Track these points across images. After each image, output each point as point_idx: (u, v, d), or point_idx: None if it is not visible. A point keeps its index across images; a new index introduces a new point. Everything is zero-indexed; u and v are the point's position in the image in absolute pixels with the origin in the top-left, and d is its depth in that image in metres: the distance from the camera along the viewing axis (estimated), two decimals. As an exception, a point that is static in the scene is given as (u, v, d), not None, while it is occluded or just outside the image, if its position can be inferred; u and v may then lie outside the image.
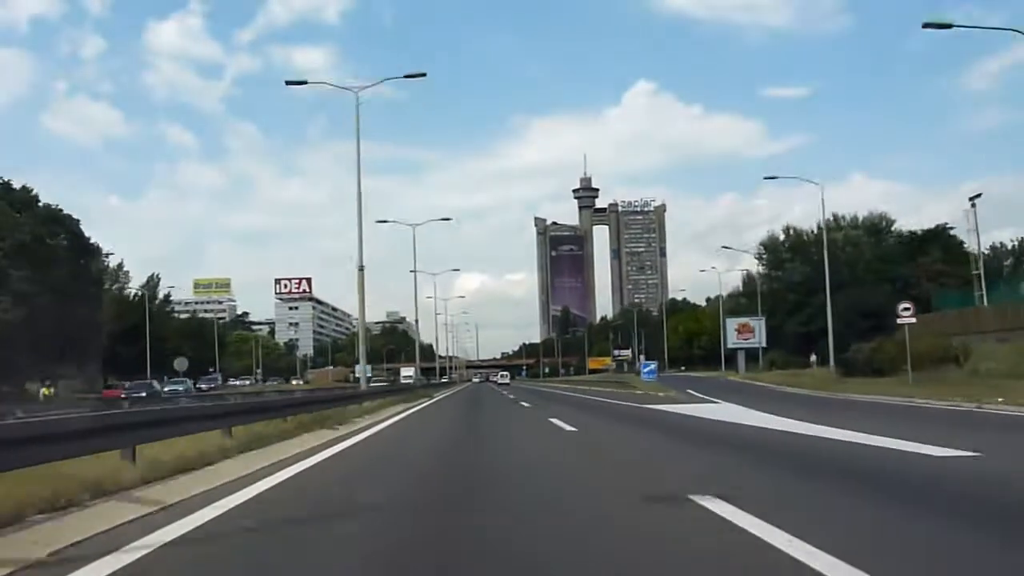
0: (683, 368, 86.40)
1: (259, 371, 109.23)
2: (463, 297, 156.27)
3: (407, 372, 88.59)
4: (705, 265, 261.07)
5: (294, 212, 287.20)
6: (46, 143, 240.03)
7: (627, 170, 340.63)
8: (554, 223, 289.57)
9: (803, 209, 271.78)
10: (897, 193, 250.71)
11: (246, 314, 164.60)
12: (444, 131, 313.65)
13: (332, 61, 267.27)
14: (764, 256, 70.27)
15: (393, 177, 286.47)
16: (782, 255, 64.34)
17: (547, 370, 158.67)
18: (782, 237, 70.47)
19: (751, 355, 65.75)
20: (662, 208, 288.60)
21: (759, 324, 65.30)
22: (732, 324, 68.34)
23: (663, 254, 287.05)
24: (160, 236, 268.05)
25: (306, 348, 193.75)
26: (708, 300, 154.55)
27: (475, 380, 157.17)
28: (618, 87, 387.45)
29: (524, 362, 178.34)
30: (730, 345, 67.85)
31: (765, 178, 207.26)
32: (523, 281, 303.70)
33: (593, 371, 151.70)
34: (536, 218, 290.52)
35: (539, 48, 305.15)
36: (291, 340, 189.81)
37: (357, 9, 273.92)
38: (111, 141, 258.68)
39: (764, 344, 65.05)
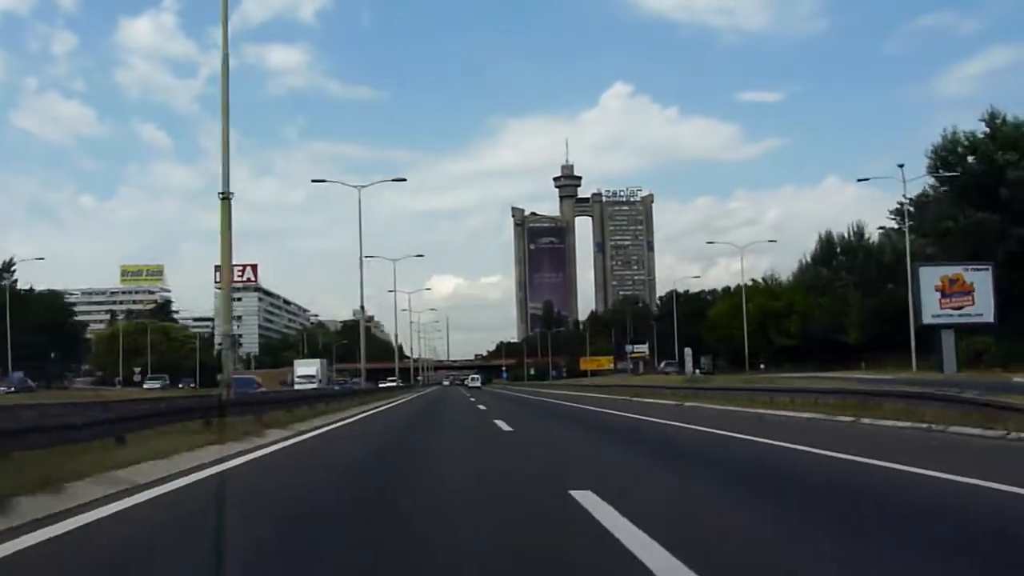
0: (762, 366, 53.97)
1: (139, 370, 77.21)
2: (429, 289, 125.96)
3: (305, 371, 55.66)
4: (681, 268, 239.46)
5: (269, 212, 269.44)
6: (17, 140, 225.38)
7: (603, 172, 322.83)
8: (533, 214, 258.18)
9: (780, 212, 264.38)
10: (871, 196, 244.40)
11: (169, 302, 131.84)
12: (421, 132, 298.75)
13: (307, 60, 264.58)
14: (943, 167, 38.41)
15: (369, 177, 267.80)
16: (994, 158, 32.92)
17: (532, 372, 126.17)
18: (984, 131, 37.83)
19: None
20: (649, 198, 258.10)
21: (982, 278, 33.46)
22: (929, 277, 36.01)
23: (651, 248, 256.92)
24: (133, 236, 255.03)
25: (251, 345, 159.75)
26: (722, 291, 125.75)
27: (444, 383, 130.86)
28: (595, 89, 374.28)
29: (503, 362, 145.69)
30: (928, 319, 35.76)
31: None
32: (499, 284, 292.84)
33: (593, 373, 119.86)
34: (513, 208, 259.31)
35: (516, 49, 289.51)
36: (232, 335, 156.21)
37: (333, 8, 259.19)
38: (83, 139, 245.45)
39: (992, 317, 33.41)
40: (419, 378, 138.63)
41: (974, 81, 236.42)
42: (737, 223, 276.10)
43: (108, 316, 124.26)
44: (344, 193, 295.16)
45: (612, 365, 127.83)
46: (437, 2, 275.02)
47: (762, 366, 51.68)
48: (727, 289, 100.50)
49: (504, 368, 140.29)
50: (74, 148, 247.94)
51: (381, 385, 65.95)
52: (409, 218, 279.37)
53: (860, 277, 53.31)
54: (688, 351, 66.79)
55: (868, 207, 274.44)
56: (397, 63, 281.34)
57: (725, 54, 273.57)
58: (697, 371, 61.67)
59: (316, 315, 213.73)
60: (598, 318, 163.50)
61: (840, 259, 61.58)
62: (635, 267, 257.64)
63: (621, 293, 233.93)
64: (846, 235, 60.94)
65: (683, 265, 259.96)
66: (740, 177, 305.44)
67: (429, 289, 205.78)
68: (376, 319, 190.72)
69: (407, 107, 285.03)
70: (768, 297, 60.42)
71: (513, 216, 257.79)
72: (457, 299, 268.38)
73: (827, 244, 64.39)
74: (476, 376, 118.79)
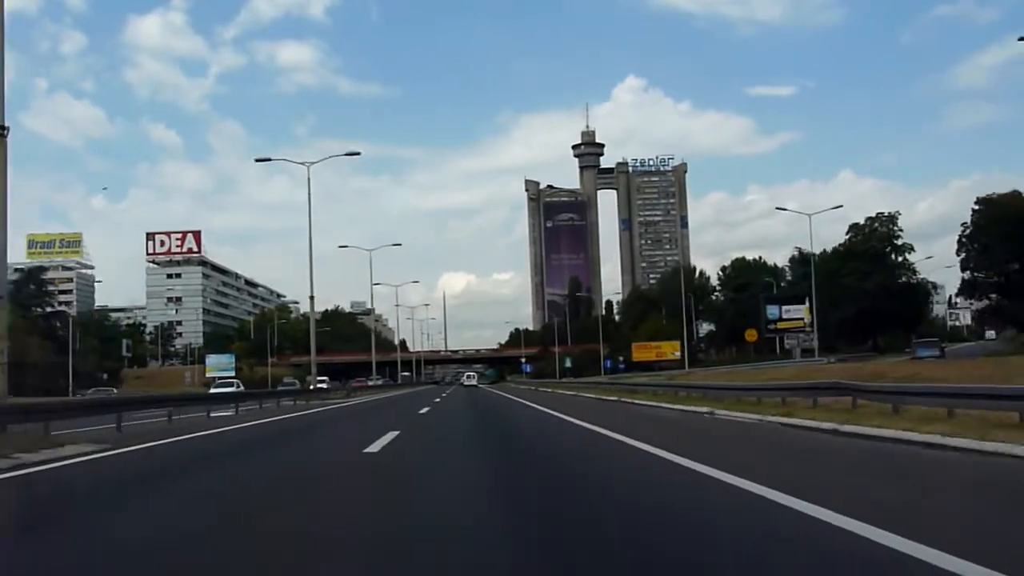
0: None
1: None
2: (428, 305, 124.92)
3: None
4: (696, 263, 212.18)
5: (279, 212, 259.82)
6: (27, 143, 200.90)
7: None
8: (549, 187, 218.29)
9: (796, 205, 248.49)
10: (884, 190, 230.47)
11: (42, 269, 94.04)
12: (431, 129, 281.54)
13: (318, 57, 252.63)
14: None
15: (378, 176, 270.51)
16: None
17: (568, 363, 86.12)
18: None
19: None
20: (682, 168, 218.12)
21: None
22: None
23: (684, 225, 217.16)
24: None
25: (193, 334, 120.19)
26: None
27: (447, 382, 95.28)
28: (607, 83, 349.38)
29: (522, 352, 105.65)
30: None
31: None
32: (511, 280, 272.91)
33: (643, 365, 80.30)
34: (527, 181, 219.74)
35: (527, 44, 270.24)
36: (166, 323, 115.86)
37: (343, 4, 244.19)
38: (93, 140, 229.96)
39: None
40: (405, 373, 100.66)
41: (991, 71, 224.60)
42: (752, 216, 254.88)
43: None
44: (352, 193, 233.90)
45: (678, 352, 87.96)
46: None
47: None
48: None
49: (524, 360, 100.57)
50: (84, 149, 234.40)
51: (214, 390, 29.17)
52: (420, 216, 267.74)
53: None
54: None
55: (883, 200, 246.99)
56: (407, 60, 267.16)
57: (739, 46, 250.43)
58: None
59: (296, 302, 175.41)
60: (643, 295, 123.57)
61: None
62: (667, 246, 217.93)
63: (651, 276, 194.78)
64: None
65: (697, 260, 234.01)
66: (754, 171, 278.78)
67: (428, 305, 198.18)
68: (377, 311, 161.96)
69: (417, 104, 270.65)
70: None
71: (527, 190, 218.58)
72: (468, 296, 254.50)
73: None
74: (472, 374, 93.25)
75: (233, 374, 67.31)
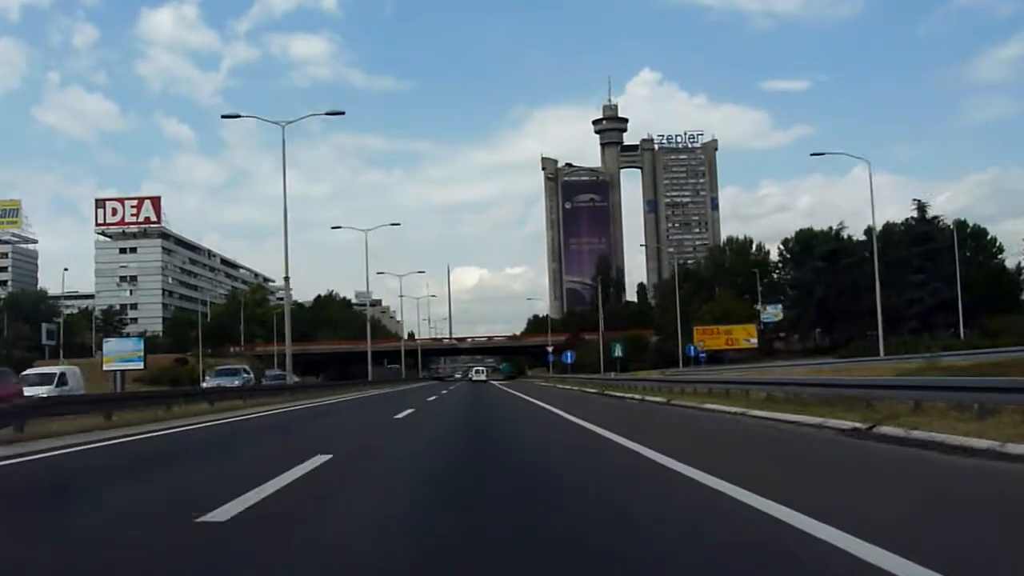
0: None
1: None
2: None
3: None
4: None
5: (294, 206, 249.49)
6: (39, 136, 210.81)
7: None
8: (568, 165, 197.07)
9: (810, 200, 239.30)
10: (899, 184, 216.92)
11: None
12: (445, 123, 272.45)
13: (332, 50, 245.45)
14: None
15: (391, 170, 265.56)
16: None
17: (618, 351, 64.12)
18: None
19: None
20: (712, 145, 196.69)
21: None
22: None
23: (715, 206, 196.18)
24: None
25: (152, 319, 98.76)
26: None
27: (442, 378, 77.00)
28: (622, 76, 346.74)
29: (548, 340, 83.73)
30: None
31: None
32: (524, 274, 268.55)
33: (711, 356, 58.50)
34: (544, 159, 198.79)
35: (541, 37, 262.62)
36: (117, 306, 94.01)
37: None
38: (106, 134, 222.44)
39: None
40: (393, 366, 79.79)
41: (1010, 64, 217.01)
42: (767, 210, 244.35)
43: None
44: (368, 186, 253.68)
45: (754, 339, 66.40)
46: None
47: None
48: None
49: (551, 349, 78.91)
50: (97, 142, 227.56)
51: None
52: (432, 210, 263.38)
53: None
54: None
55: (898, 195, 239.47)
56: (420, 53, 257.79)
57: (755, 39, 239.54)
58: None
59: (293, 289, 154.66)
60: (690, 273, 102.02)
61: None
62: (696, 229, 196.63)
63: (679, 261, 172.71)
64: None
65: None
66: (769, 165, 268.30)
67: (428, 281, 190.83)
68: (384, 303, 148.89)
69: (431, 98, 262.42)
70: None
71: (544, 168, 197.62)
72: (481, 290, 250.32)
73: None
74: (481, 369, 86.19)
75: (142, 364, 46.35)
